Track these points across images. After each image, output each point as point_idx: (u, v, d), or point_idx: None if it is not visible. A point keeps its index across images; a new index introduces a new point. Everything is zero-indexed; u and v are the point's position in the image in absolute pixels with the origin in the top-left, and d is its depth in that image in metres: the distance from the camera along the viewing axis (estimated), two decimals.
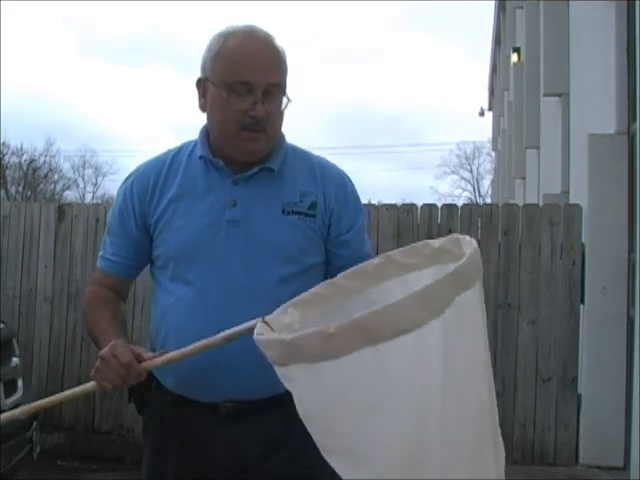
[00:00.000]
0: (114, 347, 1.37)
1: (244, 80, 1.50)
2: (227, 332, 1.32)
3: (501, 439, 1.15)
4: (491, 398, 1.10)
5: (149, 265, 1.67)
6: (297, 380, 1.03)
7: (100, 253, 1.68)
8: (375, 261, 1.31)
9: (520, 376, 4.58)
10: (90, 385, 1.40)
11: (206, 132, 1.62)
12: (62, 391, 1.45)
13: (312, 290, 1.31)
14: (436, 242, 1.25)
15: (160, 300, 1.60)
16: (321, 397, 1.02)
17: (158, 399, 1.61)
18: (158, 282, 1.62)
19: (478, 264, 1.10)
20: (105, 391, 1.41)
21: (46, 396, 1.45)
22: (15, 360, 3.64)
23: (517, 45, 11.58)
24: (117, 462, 4.52)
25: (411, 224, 4.76)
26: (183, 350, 1.34)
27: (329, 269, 1.62)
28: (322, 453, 1.06)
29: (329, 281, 1.32)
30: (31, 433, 3.46)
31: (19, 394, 3.52)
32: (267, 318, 1.25)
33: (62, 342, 5.07)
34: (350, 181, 1.68)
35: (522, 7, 10.82)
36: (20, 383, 3.63)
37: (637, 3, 4.25)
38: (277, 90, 1.54)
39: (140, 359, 1.37)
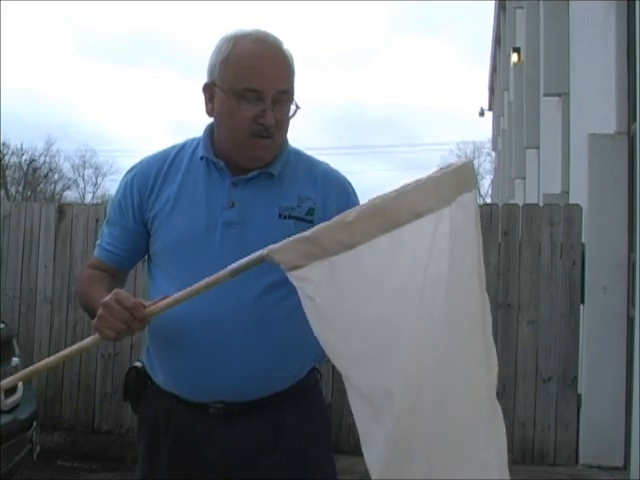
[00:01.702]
0: (117, 293, 1.36)
1: (254, 87, 1.50)
2: (233, 265, 1.28)
3: (495, 352, 1.20)
4: (484, 304, 1.16)
5: (147, 261, 1.67)
6: (313, 279, 1.07)
7: (97, 241, 1.69)
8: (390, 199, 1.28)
9: (520, 376, 4.58)
10: (91, 339, 1.37)
11: (210, 132, 1.61)
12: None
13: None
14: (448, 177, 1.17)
15: (153, 298, 1.60)
16: (337, 292, 1.07)
17: (153, 398, 1.61)
18: (153, 277, 1.63)
19: (474, 171, 1.17)
20: (107, 340, 1.38)
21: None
22: (15, 360, 3.64)
23: (517, 45, 11.57)
24: (117, 462, 4.51)
25: None
26: (187, 290, 1.32)
27: None
28: (334, 362, 1.10)
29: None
30: (31, 433, 3.46)
31: (19, 394, 3.51)
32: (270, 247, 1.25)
33: (62, 342, 5.04)
34: (352, 188, 1.67)
35: (522, 7, 10.81)
36: (20, 383, 3.62)
37: (637, 3, 4.25)
38: (286, 97, 1.54)
39: (143, 306, 1.35)
